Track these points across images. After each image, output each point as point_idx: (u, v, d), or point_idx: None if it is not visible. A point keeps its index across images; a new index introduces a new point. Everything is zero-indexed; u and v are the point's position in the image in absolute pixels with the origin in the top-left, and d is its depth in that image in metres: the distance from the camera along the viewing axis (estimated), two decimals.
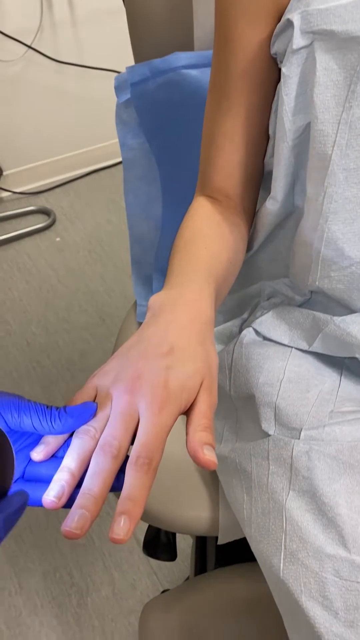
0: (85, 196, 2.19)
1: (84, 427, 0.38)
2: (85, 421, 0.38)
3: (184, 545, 1.09)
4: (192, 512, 0.61)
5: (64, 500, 0.35)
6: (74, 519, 0.33)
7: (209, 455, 0.36)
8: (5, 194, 2.20)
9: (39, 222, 2.04)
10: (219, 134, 0.58)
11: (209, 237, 0.55)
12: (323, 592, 0.44)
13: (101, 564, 1.13)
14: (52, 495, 0.35)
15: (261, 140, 0.58)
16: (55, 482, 0.35)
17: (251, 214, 0.63)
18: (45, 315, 1.70)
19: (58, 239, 1.99)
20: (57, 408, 0.37)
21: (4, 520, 0.31)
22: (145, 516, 0.62)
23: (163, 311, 0.44)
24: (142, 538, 0.76)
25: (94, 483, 0.35)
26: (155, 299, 0.45)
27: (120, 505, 0.34)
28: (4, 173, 2.16)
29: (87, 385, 0.41)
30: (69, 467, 0.36)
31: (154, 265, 0.86)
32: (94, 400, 0.40)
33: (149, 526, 0.72)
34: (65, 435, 0.39)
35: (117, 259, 1.88)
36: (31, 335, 1.64)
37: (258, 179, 0.62)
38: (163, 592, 0.98)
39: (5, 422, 0.36)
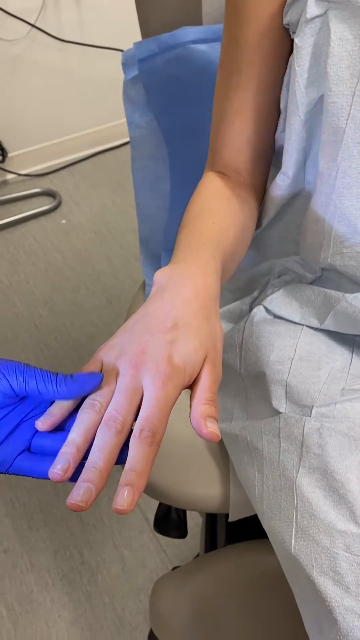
0: (91, 178, 2.18)
1: (89, 401, 0.39)
2: (90, 388, 0.38)
3: (192, 523, 1.10)
4: (203, 490, 0.61)
5: (69, 473, 0.36)
6: (80, 492, 0.33)
7: (211, 428, 0.37)
8: (10, 176, 2.19)
9: (45, 204, 2.03)
10: (229, 109, 0.58)
11: (217, 212, 0.54)
12: (334, 567, 0.45)
13: (111, 543, 1.14)
14: (58, 468, 0.35)
15: (272, 115, 0.58)
16: (61, 456, 0.36)
17: (261, 191, 0.62)
18: (52, 298, 1.70)
19: (64, 221, 1.98)
20: (63, 374, 0.38)
21: None
22: (156, 493, 0.62)
23: (168, 285, 0.44)
24: (151, 517, 0.77)
25: (99, 457, 0.35)
26: (161, 274, 0.45)
27: (123, 477, 0.34)
28: (9, 155, 2.15)
29: (92, 360, 0.41)
30: (74, 441, 0.37)
31: (162, 244, 0.85)
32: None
33: (160, 504, 0.73)
34: (71, 408, 0.39)
35: (123, 240, 1.87)
36: (38, 317, 1.64)
37: (269, 155, 0.61)
38: (174, 569, 1.00)
39: (10, 385, 0.36)
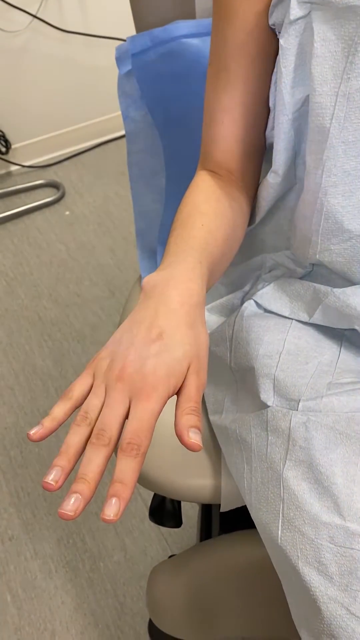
0: (94, 169, 2.18)
1: (82, 414, 0.41)
2: None
3: (192, 512, 1.12)
4: (195, 481, 0.62)
5: (60, 483, 0.38)
6: (70, 502, 0.36)
7: (193, 439, 0.39)
8: (14, 168, 2.19)
9: (48, 196, 2.04)
10: (218, 108, 0.58)
11: (207, 214, 0.55)
12: (318, 558, 0.46)
13: (113, 531, 1.16)
14: (50, 479, 0.38)
15: (262, 113, 0.58)
16: (54, 468, 0.39)
17: (253, 188, 0.63)
18: (56, 289, 1.71)
19: (67, 213, 1.99)
20: None
21: None
22: (149, 484, 0.64)
23: (154, 293, 0.45)
24: None
25: (88, 470, 0.38)
26: (148, 280, 0.47)
27: (111, 488, 0.37)
28: (12, 146, 2.15)
29: (84, 374, 0.44)
30: (66, 453, 0.39)
31: (158, 238, 0.86)
32: (90, 389, 0.43)
33: (155, 494, 0.74)
34: (62, 421, 0.42)
35: (127, 231, 1.88)
36: (42, 309, 1.65)
37: (259, 153, 0.61)
38: (170, 557, 1.01)
39: None
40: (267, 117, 0.58)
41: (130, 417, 0.39)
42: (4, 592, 1.10)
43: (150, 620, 1.02)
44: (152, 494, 0.71)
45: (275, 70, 0.54)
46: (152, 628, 1.00)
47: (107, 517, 0.35)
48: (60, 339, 1.56)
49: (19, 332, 1.59)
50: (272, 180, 0.57)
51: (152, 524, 1.07)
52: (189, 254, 0.49)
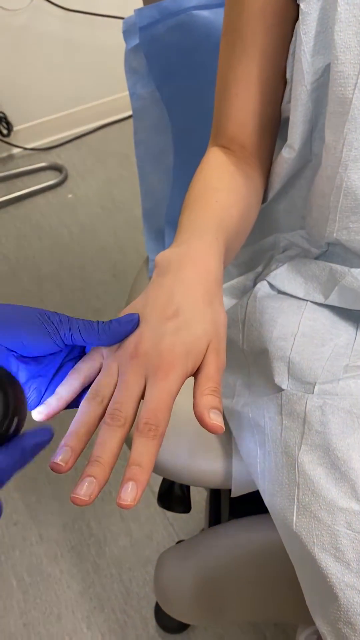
0: (97, 151, 2.15)
1: (93, 391, 0.39)
2: (129, 330, 0.40)
3: (199, 497, 1.11)
4: (205, 466, 0.61)
5: (70, 464, 0.36)
6: (83, 487, 0.34)
7: (215, 420, 0.36)
8: (16, 151, 2.17)
9: (51, 179, 2.01)
10: (233, 79, 0.56)
11: (220, 190, 0.53)
12: (335, 544, 0.45)
13: (118, 516, 1.16)
14: (59, 459, 0.36)
15: (278, 85, 0.56)
16: (63, 448, 0.36)
17: (267, 165, 0.61)
18: (58, 273, 1.69)
19: (70, 196, 1.96)
20: (102, 323, 0.39)
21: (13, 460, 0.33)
22: (158, 469, 0.62)
23: (169, 270, 0.43)
24: (157, 490, 0.77)
25: (102, 452, 0.35)
26: (162, 257, 0.44)
27: (127, 471, 0.34)
28: (14, 129, 2.12)
29: (92, 353, 0.41)
30: (76, 432, 0.37)
31: (165, 219, 0.84)
32: (100, 370, 0.40)
33: (163, 479, 0.73)
34: (68, 399, 0.40)
35: (130, 214, 1.85)
36: (46, 293, 1.64)
37: (274, 127, 0.59)
38: (178, 542, 1.01)
39: (62, 339, 0.38)
40: (284, 90, 0.56)
41: (146, 396, 0.37)
42: (10, 576, 1.09)
43: (157, 605, 1.02)
44: (157, 477, 0.70)
45: (293, 38, 0.51)
46: (159, 613, 1.00)
47: (123, 502, 0.33)
48: None
49: None
50: (287, 156, 0.55)
51: (158, 508, 1.06)
52: (205, 231, 0.47)
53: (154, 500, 1.16)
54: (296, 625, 0.86)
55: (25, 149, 2.15)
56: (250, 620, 0.98)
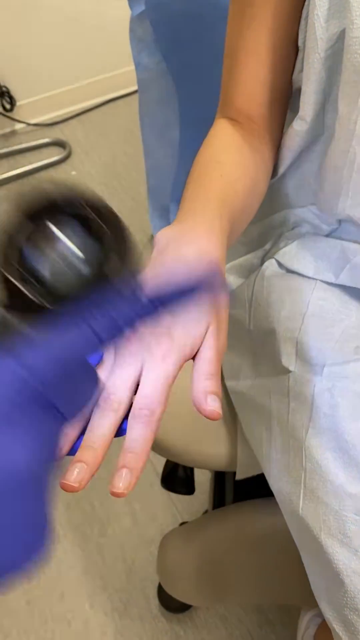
0: (102, 127, 2.11)
1: None
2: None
3: (203, 479, 1.10)
4: (210, 448, 0.60)
5: (64, 450, 0.34)
6: (74, 473, 0.32)
7: (212, 406, 0.34)
8: (19, 126, 2.13)
9: (55, 155, 1.98)
10: (242, 47, 0.53)
11: (226, 164, 0.51)
12: (342, 529, 0.44)
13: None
14: None
15: (289, 53, 0.53)
16: None
17: (277, 139, 0.58)
18: None
19: (74, 173, 1.93)
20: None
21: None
22: (162, 451, 0.61)
23: (169, 249, 0.41)
24: (161, 472, 0.76)
25: (94, 436, 0.34)
26: (162, 235, 0.42)
27: (121, 458, 0.33)
28: (17, 103, 2.09)
29: None
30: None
31: (171, 195, 0.82)
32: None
33: (167, 460, 0.72)
34: None
35: (135, 192, 1.82)
36: None
37: (285, 99, 0.56)
38: (181, 524, 1.01)
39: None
40: (295, 58, 0.53)
41: (142, 381, 0.35)
42: None
43: (159, 585, 1.02)
44: (162, 458, 0.69)
45: (306, 2, 0.48)
46: (161, 592, 1.00)
47: (116, 490, 0.32)
48: None
49: None
50: (299, 128, 0.53)
51: (162, 489, 1.06)
52: (207, 207, 0.45)
53: (158, 481, 1.16)
54: (300, 607, 0.86)
55: (29, 124, 2.12)
56: (253, 603, 0.98)
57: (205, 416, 0.35)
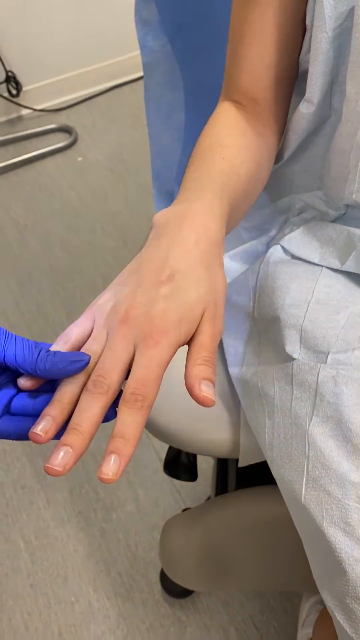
0: (108, 113, 2.10)
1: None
2: (72, 371, 0.35)
3: (206, 465, 1.11)
4: (212, 435, 0.59)
5: (50, 434, 0.34)
6: (58, 456, 0.32)
7: (205, 392, 0.34)
8: (25, 112, 2.12)
9: (61, 141, 1.97)
10: (247, 26, 0.52)
11: (228, 147, 0.50)
12: (345, 518, 0.43)
13: (125, 482, 1.16)
14: (39, 429, 0.33)
15: (296, 33, 0.52)
16: (44, 417, 0.34)
17: (282, 123, 0.57)
18: (68, 238, 1.67)
19: (80, 159, 1.92)
20: (46, 351, 0.35)
21: None
22: (165, 437, 0.61)
23: (166, 230, 0.40)
24: (164, 458, 0.76)
25: (81, 420, 0.33)
26: (160, 216, 0.41)
27: (110, 443, 0.32)
28: (24, 89, 2.07)
29: (83, 317, 0.39)
30: (59, 401, 0.34)
31: (176, 180, 0.81)
32: (90, 333, 0.38)
33: (170, 447, 0.72)
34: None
35: (141, 178, 1.81)
36: (54, 258, 1.62)
37: (291, 81, 0.55)
38: (184, 510, 1.01)
39: None
40: (302, 39, 0.52)
41: (135, 365, 0.35)
42: (17, 538, 1.10)
43: (162, 570, 1.02)
44: (165, 445, 0.69)
45: None
46: (164, 578, 1.01)
47: (104, 476, 0.31)
48: (73, 288, 1.52)
49: (31, 282, 1.56)
50: (305, 110, 0.52)
51: (165, 475, 1.06)
52: (208, 189, 0.44)
53: (161, 468, 1.16)
54: (301, 594, 0.86)
55: (35, 110, 2.10)
56: (255, 589, 0.98)
57: (197, 402, 0.34)
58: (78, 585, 1.04)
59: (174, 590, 0.99)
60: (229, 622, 0.97)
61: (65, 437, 0.32)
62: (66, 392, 0.35)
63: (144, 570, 1.05)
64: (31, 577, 1.06)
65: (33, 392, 0.37)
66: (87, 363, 0.35)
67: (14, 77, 2.02)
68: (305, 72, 0.51)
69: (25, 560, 1.08)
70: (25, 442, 1.23)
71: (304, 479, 0.46)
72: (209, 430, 0.60)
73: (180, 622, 0.98)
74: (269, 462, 0.52)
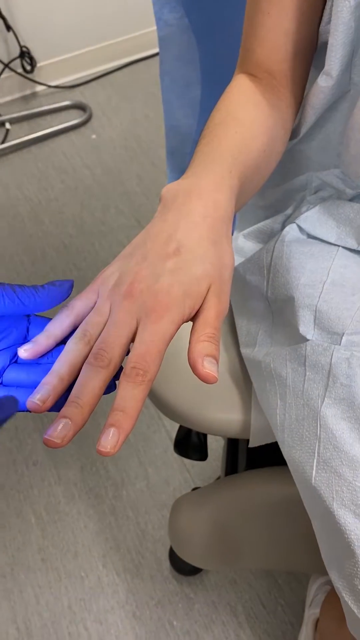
0: (123, 90, 2.07)
1: (80, 331, 0.36)
2: (62, 296, 0.37)
3: (216, 445, 1.11)
4: (223, 415, 0.59)
5: (49, 404, 0.33)
6: (57, 428, 0.31)
7: (208, 368, 0.33)
8: (39, 88, 2.10)
9: (75, 118, 1.95)
10: None
11: (242, 120, 0.48)
12: (356, 500, 0.43)
13: (136, 460, 1.17)
14: (37, 397, 0.33)
15: (316, 2, 0.50)
16: (42, 386, 0.33)
17: (299, 97, 0.55)
18: (81, 217, 1.66)
19: (94, 136, 1.90)
20: (31, 286, 0.36)
21: None
22: (175, 416, 0.61)
23: (174, 204, 0.39)
24: (174, 437, 0.76)
25: (81, 392, 0.33)
26: (168, 189, 0.40)
27: (110, 417, 0.32)
28: (38, 65, 2.05)
29: (87, 290, 0.38)
30: (58, 372, 0.34)
31: (190, 156, 0.80)
32: (94, 306, 0.37)
33: (180, 426, 0.72)
34: (59, 338, 0.37)
35: (155, 156, 1.79)
36: (67, 237, 1.61)
37: (309, 53, 0.54)
38: (194, 489, 1.01)
39: None
40: (322, 9, 0.50)
41: (137, 339, 0.34)
42: (29, 513, 1.12)
43: (171, 548, 1.03)
44: (176, 424, 0.69)
45: None
46: (173, 555, 1.02)
47: (102, 449, 0.31)
48: (85, 268, 1.52)
49: (44, 260, 1.56)
50: (324, 84, 0.50)
51: (175, 454, 1.07)
52: (218, 163, 0.43)
53: (172, 446, 1.17)
54: (309, 574, 0.86)
55: (49, 86, 2.08)
56: (262, 568, 0.99)
57: (200, 379, 0.33)
58: (88, 560, 1.05)
59: (182, 568, 1.00)
60: (237, 600, 0.98)
61: (65, 410, 0.32)
62: (66, 362, 0.34)
63: (153, 548, 1.06)
64: (42, 552, 1.07)
65: (27, 364, 0.36)
66: (71, 284, 0.37)
67: (29, 53, 2.00)
68: (325, 44, 0.49)
69: (37, 535, 1.09)
70: (37, 418, 1.25)
71: (315, 460, 0.46)
72: (220, 410, 0.59)
73: (188, 598, 0.99)
74: (279, 443, 0.51)
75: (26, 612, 1.01)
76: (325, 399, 0.46)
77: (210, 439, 0.76)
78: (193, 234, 0.37)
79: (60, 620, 0.99)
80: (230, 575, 1.01)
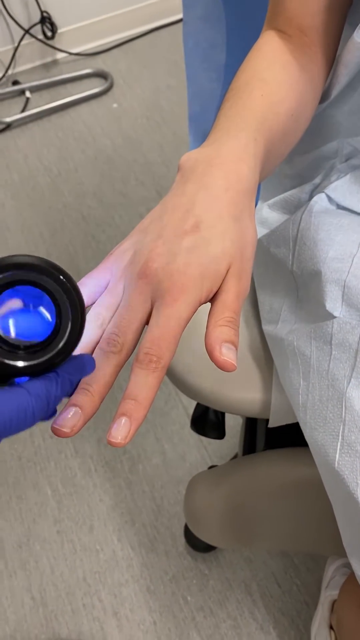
0: (145, 57, 2.02)
1: (94, 313, 0.34)
2: (77, 380, 0.31)
3: (234, 422, 1.09)
4: (243, 393, 0.57)
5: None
6: (67, 417, 0.30)
7: (226, 356, 0.31)
8: (60, 55, 2.05)
9: (96, 87, 1.91)
10: None
11: (269, 82, 0.45)
12: None
13: (153, 436, 1.16)
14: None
15: None
16: None
17: (331, 56, 0.51)
18: (101, 188, 1.63)
19: (115, 105, 1.86)
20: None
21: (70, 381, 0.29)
22: (193, 394, 0.59)
23: (193, 174, 0.36)
24: (192, 413, 0.75)
25: (92, 379, 0.31)
26: (188, 158, 0.37)
27: (121, 405, 0.30)
28: (59, 31, 2.00)
29: (100, 267, 0.36)
30: None
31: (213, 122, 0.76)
32: (106, 285, 0.35)
33: (198, 403, 0.70)
34: None
35: (177, 126, 1.75)
36: (87, 208, 1.59)
37: (343, 7, 0.49)
38: (210, 467, 1.00)
39: None
40: None
41: (151, 323, 0.32)
42: (45, 485, 1.12)
43: (186, 525, 1.03)
44: (193, 401, 0.67)
45: None
46: (188, 532, 1.01)
47: (113, 440, 0.29)
48: (105, 240, 1.50)
49: (63, 232, 1.54)
50: (359, 40, 0.46)
51: (192, 431, 1.06)
52: (242, 129, 0.39)
53: (189, 423, 1.16)
54: (327, 556, 0.85)
55: (70, 53, 2.04)
56: (279, 549, 0.98)
57: (217, 366, 0.31)
58: (103, 534, 1.06)
59: (197, 544, 1.00)
60: (252, 578, 0.97)
61: (75, 397, 0.30)
62: (80, 346, 0.32)
63: (169, 523, 1.05)
64: (58, 524, 1.08)
65: None
66: (93, 368, 0.32)
67: (49, 19, 1.95)
68: None
69: (53, 507, 1.10)
70: None
71: (339, 443, 0.44)
72: (239, 389, 0.57)
73: (202, 575, 0.99)
74: (301, 425, 0.49)
75: (41, 582, 1.01)
76: (352, 379, 0.44)
77: (228, 417, 0.74)
78: (213, 209, 0.35)
79: (75, 592, 1.00)
80: (245, 554, 1.00)
